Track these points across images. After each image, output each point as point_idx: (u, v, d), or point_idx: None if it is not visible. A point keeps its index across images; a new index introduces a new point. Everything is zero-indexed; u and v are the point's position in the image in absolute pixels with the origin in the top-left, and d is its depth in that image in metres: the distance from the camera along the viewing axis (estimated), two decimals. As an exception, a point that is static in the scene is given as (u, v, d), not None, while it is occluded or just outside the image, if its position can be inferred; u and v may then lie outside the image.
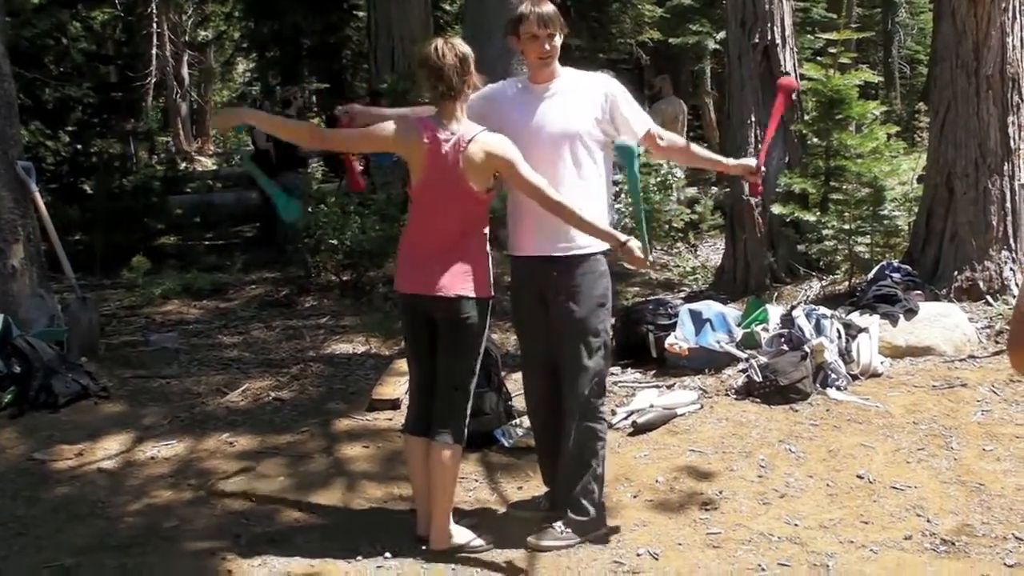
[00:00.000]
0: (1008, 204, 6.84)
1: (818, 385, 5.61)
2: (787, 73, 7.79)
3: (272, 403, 6.13)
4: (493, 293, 4.03)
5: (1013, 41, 6.78)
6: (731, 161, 4.54)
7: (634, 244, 3.92)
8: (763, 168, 4.35)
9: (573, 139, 4.04)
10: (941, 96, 7.10)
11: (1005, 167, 6.83)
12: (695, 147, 4.51)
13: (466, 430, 4.06)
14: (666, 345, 6.21)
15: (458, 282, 3.91)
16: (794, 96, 4.18)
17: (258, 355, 7.26)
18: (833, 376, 5.64)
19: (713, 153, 4.49)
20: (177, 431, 5.64)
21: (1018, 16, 6.82)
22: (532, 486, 4.67)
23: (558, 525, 4.11)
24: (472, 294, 3.92)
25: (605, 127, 4.09)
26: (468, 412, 4.06)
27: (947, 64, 6.99)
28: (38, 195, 6.96)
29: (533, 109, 4.07)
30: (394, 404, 5.83)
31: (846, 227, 7.54)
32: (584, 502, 4.10)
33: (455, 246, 3.93)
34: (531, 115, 4.06)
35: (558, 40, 4.05)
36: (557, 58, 4.10)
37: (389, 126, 3.97)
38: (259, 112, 4.39)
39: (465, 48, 3.90)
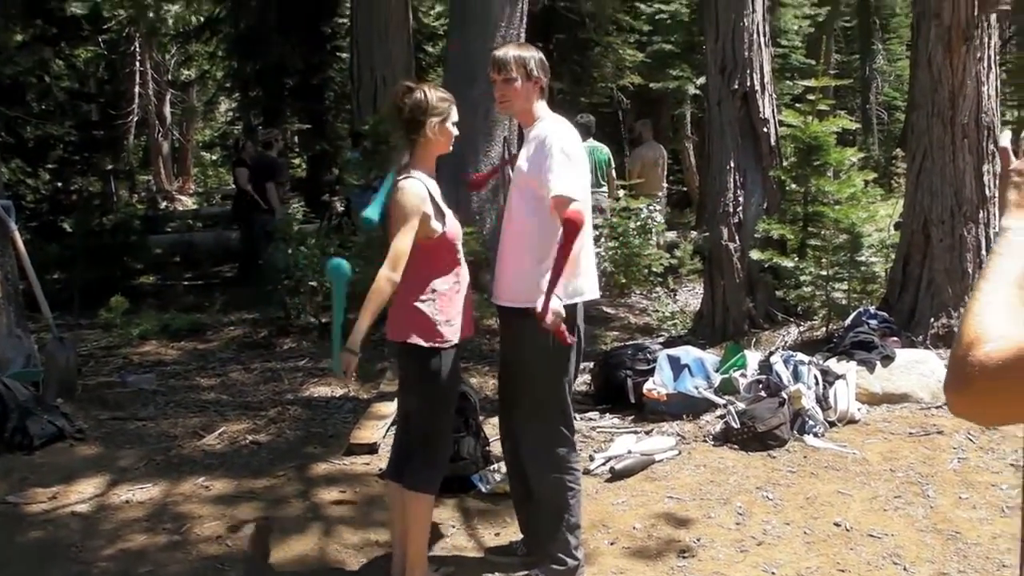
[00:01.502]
0: (984, 252, 6.88)
1: (795, 432, 5.62)
2: (765, 120, 7.89)
3: (249, 446, 6.08)
4: (430, 344, 3.84)
5: (988, 90, 6.86)
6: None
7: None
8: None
9: (521, 191, 3.96)
10: (918, 143, 7.17)
11: (980, 215, 6.89)
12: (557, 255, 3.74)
13: (437, 476, 4.03)
14: (644, 390, 6.22)
15: (393, 329, 3.92)
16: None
17: (235, 397, 7.22)
18: (810, 423, 5.66)
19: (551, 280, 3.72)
20: (153, 474, 5.59)
21: (993, 66, 6.92)
22: (510, 532, 4.64)
23: (535, 572, 4.09)
24: (401, 340, 3.89)
25: (536, 176, 3.85)
26: (440, 459, 4.05)
27: (923, 112, 7.07)
28: (17, 233, 6.92)
29: (518, 156, 4.06)
30: (372, 448, 5.80)
31: (824, 273, 7.58)
32: (560, 555, 4.08)
33: (398, 292, 3.82)
34: (516, 162, 4.06)
35: (519, 84, 3.92)
36: (530, 102, 3.97)
37: None
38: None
39: (410, 98, 3.84)
